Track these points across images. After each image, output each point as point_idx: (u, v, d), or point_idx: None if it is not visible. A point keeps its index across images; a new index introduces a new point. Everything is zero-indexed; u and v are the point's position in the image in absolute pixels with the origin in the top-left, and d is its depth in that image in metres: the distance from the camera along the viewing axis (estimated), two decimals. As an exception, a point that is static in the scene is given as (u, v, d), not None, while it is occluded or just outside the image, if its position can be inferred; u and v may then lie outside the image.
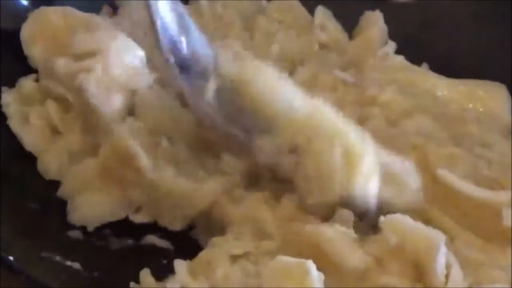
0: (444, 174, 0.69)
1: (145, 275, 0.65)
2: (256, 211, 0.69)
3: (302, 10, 0.89)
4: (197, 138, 0.74)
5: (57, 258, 0.68)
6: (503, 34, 0.84)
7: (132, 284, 0.65)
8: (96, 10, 0.85)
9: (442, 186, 0.69)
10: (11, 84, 0.78)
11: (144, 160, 0.70)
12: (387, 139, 0.73)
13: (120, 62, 0.74)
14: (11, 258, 0.65)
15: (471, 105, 0.80)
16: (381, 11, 0.87)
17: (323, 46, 0.87)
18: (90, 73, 0.72)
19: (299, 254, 0.62)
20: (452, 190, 0.68)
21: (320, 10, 0.88)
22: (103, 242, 0.71)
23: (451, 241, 0.65)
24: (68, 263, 0.68)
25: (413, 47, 0.86)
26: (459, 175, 0.69)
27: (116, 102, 0.74)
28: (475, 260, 0.64)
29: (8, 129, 0.76)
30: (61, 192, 0.73)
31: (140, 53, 0.75)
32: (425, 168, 0.70)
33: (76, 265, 0.68)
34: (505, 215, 0.64)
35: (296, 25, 0.88)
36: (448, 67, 0.84)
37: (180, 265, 0.65)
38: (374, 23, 0.86)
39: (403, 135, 0.74)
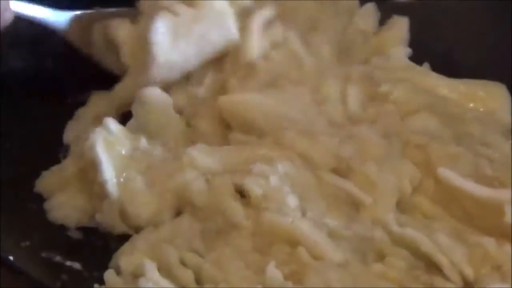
0: (445, 172, 0.69)
1: (110, 275, 0.65)
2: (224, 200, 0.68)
3: None
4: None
5: (57, 258, 0.68)
6: (503, 34, 0.85)
7: (96, 285, 0.64)
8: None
9: (444, 185, 0.69)
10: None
11: (107, 175, 0.70)
12: (393, 136, 0.73)
13: None
14: (11, 258, 0.65)
15: (471, 105, 0.80)
16: (381, 11, 0.87)
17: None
18: None
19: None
20: (453, 189, 0.68)
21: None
22: (103, 242, 0.70)
23: (452, 235, 0.66)
24: (68, 263, 0.68)
25: (413, 47, 0.86)
26: (460, 174, 0.69)
27: None
28: (476, 256, 0.64)
29: (7, 129, 0.76)
30: (39, 187, 0.73)
31: None
32: (427, 167, 0.70)
33: (76, 265, 0.68)
34: (507, 212, 0.64)
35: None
36: (448, 67, 0.85)
37: (150, 264, 0.64)
38: (397, 27, 0.87)
39: (408, 133, 0.74)
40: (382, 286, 0.62)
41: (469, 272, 0.63)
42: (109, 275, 0.65)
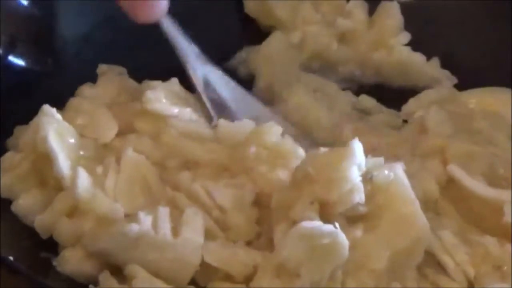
0: (454, 170, 0.70)
1: (105, 276, 0.64)
2: None
3: None
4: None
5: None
6: (503, 34, 0.85)
7: (91, 286, 0.63)
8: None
9: (454, 181, 0.70)
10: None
11: (64, 168, 0.67)
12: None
13: None
14: (11, 258, 0.65)
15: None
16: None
17: (343, 36, 0.88)
18: None
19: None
20: (461, 187, 0.69)
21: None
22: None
23: (456, 234, 0.66)
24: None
25: (413, 46, 0.86)
26: (474, 172, 0.69)
27: None
28: (478, 256, 0.65)
29: (7, 131, 0.76)
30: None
31: None
32: (444, 164, 0.71)
33: (76, 265, 0.68)
34: (507, 211, 0.65)
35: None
36: (449, 67, 0.85)
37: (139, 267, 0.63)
38: (390, 14, 0.87)
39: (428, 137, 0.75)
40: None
41: (470, 271, 0.63)
42: (103, 276, 0.64)
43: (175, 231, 0.64)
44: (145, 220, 0.63)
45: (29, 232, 0.68)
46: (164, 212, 0.64)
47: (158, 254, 0.63)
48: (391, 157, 0.71)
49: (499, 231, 0.65)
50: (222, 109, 0.78)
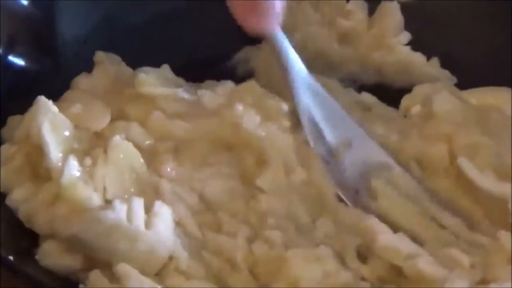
0: (463, 162, 0.70)
1: (96, 275, 0.63)
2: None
3: None
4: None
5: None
6: (503, 34, 0.85)
7: (81, 285, 0.63)
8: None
9: (463, 174, 0.70)
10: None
11: (54, 159, 0.67)
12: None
13: None
14: (11, 258, 0.65)
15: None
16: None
17: (343, 36, 0.87)
18: None
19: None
20: (469, 179, 0.69)
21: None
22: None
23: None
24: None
25: (413, 46, 0.86)
26: (483, 164, 0.70)
27: None
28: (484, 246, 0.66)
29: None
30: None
31: None
32: (450, 153, 0.72)
33: (76, 265, 0.67)
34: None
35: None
36: (449, 67, 0.85)
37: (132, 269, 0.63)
38: (390, 14, 0.87)
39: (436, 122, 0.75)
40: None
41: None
42: (94, 275, 0.64)
43: (148, 223, 0.64)
44: (121, 209, 0.64)
45: (29, 232, 0.68)
46: (138, 202, 0.65)
47: (130, 244, 0.63)
48: (399, 143, 0.74)
49: (506, 225, 0.66)
50: (318, 131, 0.74)
